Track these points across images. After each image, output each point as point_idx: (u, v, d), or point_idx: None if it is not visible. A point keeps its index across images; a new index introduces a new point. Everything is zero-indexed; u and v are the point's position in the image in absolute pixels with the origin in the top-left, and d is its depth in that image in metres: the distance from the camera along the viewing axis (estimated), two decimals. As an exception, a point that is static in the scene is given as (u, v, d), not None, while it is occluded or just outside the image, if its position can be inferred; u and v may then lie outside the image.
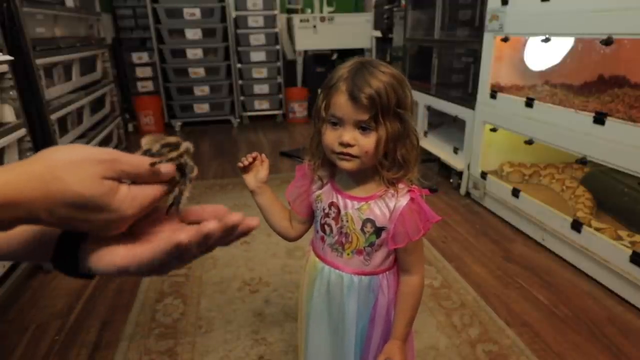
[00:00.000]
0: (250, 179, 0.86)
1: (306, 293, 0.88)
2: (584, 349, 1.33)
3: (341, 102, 0.70)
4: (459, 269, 1.75)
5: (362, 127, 0.70)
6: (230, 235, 0.41)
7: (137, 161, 0.40)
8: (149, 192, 0.41)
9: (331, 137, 0.72)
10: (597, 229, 1.65)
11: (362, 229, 0.77)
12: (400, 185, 0.76)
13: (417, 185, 0.77)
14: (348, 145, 0.70)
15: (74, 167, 0.36)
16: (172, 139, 0.44)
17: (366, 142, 0.70)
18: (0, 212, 0.34)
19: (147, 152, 0.43)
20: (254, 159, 0.86)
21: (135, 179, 0.40)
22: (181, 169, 0.43)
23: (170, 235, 0.41)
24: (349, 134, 0.70)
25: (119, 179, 0.39)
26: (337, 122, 0.72)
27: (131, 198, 0.39)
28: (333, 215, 0.80)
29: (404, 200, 0.75)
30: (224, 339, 1.39)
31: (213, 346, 1.35)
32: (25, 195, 0.34)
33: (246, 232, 0.41)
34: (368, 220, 0.76)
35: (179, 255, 0.41)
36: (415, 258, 0.80)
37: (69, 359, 1.32)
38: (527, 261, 1.82)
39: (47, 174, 0.35)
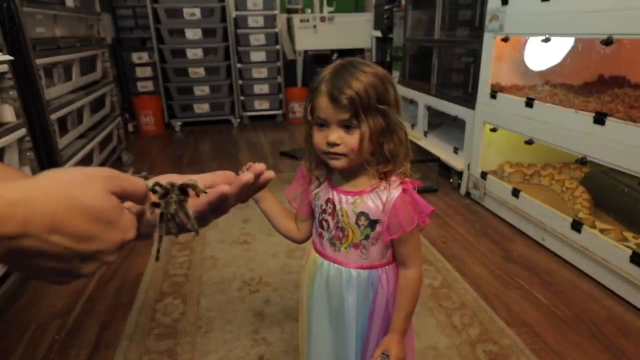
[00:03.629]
0: None
1: (307, 290, 0.89)
2: (584, 349, 1.33)
3: (323, 104, 0.72)
4: (459, 269, 1.75)
5: (346, 126, 0.73)
6: (255, 185, 0.48)
7: (135, 180, 0.41)
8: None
9: (319, 138, 0.75)
10: (602, 230, 1.65)
11: (356, 223, 0.79)
12: (393, 178, 0.78)
13: (410, 179, 0.79)
14: (334, 144, 0.73)
15: (82, 184, 0.36)
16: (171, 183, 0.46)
17: (351, 140, 0.73)
18: None
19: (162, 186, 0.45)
20: None
21: (133, 198, 0.41)
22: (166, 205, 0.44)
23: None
24: (335, 134, 0.73)
25: (120, 196, 0.39)
26: (323, 123, 0.74)
27: (132, 220, 0.40)
28: (329, 210, 0.82)
29: (396, 193, 0.76)
30: (224, 339, 1.39)
31: (213, 346, 1.35)
32: (29, 210, 0.32)
33: (265, 184, 0.50)
34: (362, 213, 0.78)
35: (217, 207, 0.45)
36: (410, 250, 0.81)
37: (69, 359, 1.32)
38: (527, 261, 1.82)
39: (52, 191, 0.34)
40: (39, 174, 0.36)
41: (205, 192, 0.45)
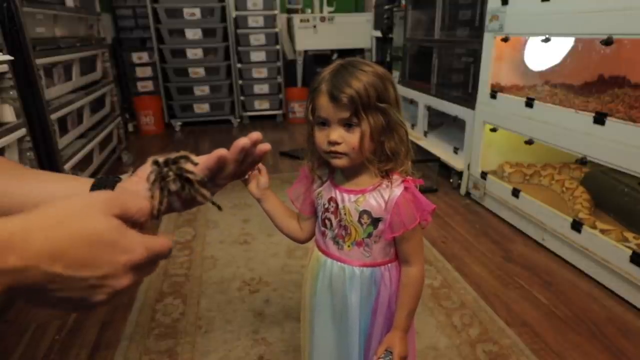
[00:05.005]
0: (253, 188, 0.87)
1: (310, 289, 0.89)
2: (584, 349, 1.33)
3: (323, 104, 0.73)
4: (459, 269, 1.75)
5: (347, 124, 0.73)
6: (252, 154, 0.49)
7: (138, 198, 0.41)
8: (159, 240, 0.40)
9: (320, 137, 0.76)
10: (602, 231, 1.65)
11: (359, 221, 0.79)
12: (394, 177, 0.78)
13: (412, 177, 0.79)
14: (336, 143, 0.74)
15: (80, 210, 0.36)
16: (179, 155, 0.46)
17: (351, 138, 0.73)
18: None
19: (156, 163, 0.46)
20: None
21: (136, 217, 0.40)
22: (167, 179, 0.45)
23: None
24: (336, 133, 0.73)
25: (123, 216, 0.38)
26: (324, 122, 0.75)
27: (138, 239, 0.39)
28: (332, 209, 0.82)
29: (398, 191, 0.77)
30: (224, 339, 1.39)
31: (213, 346, 1.35)
32: (27, 241, 0.32)
33: (262, 156, 0.51)
34: (364, 211, 0.79)
35: (217, 173, 0.46)
36: (413, 248, 0.81)
37: (69, 359, 1.32)
38: (527, 261, 1.82)
39: (50, 221, 0.34)
40: (39, 208, 0.36)
41: (197, 163, 0.46)
